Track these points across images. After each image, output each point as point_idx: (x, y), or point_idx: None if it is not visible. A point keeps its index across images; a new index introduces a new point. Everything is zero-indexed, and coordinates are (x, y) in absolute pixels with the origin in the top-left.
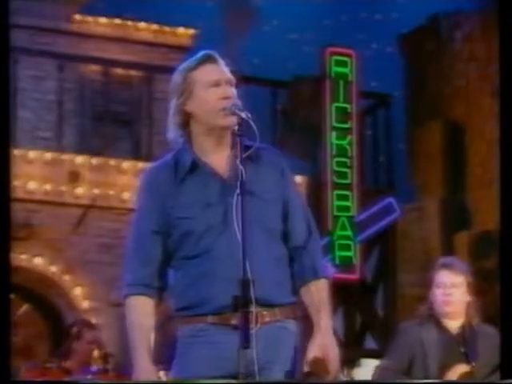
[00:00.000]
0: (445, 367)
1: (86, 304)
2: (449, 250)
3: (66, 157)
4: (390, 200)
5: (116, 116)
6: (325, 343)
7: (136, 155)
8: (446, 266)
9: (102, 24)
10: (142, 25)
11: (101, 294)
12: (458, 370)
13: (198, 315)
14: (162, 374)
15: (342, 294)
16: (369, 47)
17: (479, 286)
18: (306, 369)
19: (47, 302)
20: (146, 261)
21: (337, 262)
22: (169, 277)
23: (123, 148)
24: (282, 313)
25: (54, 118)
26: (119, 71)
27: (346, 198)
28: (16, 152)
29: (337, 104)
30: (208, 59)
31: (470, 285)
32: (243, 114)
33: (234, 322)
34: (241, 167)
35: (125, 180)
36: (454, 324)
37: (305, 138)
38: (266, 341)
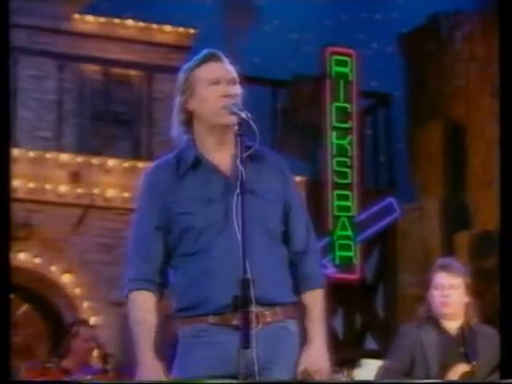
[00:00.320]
0: (445, 368)
1: (85, 304)
2: (449, 250)
3: (65, 157)
4: (391, 200)
5: (116, 116)
6: (317, 355)
7: (136, 155)
8: (443, 268)
9: (101, 24)
10: (142, 24)
11: (101, 294)
12: (459, 370)
13: (198, 315)
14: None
15: (343, 294)
16: (369, 47)
17: (479, 287)
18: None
19: (47, 302)
20: (147, 257)
21: (337, 262)
22: (169, 276)
23: (123, 148)
24: (283, 313)
25: (54, 117)
26: (119, 71)
27: (346, 197)
28: (16, 152)
29: (337, 104)
30: (211, 57)
31: (468, 286)
32: (243, 114)
33: (235, 322)
34: (241, 167)
35: (124, 180)
36: (452, 325)
37: (305, 138)
38: (267, 341)
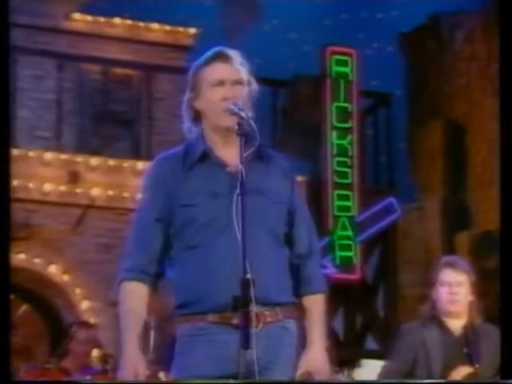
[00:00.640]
0: (448, 368)
1: (85, 304)
2: (449, 249)
3: (65, 156)
4: (391, 200)
5: (115, 115)
6: (316, 357)
7: (136, 155)
8: (450, 265)
9: (101, 23)
10: (142, 24)
11: (100, 294)
12: (462, 371)
13: (198, 313)
14: (161, 374)
15: (343, 294)
16: (369, 46)
17: (480, 287)
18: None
19: (46, 302)
20: (146, 248)
21: (337, 262)
22: (169, 271)
23: (123, 148)
24: (283, 313)
25: (54, 117)
26: (119, 71)
27: (346, 197)
28: (15, 152)
29: (337, 103)
30: (218, 57)
31: (473, 284)
32: (242, 114)
33: (234, 321)
34: (241, 167)
35: (124, 180)
36: (456, 324)
37: (305, 138)
38: (267, 341)
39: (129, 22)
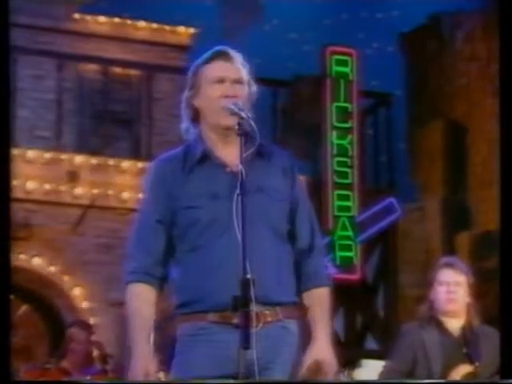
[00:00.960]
0: (447, 368)
1: (85, 304)
2: (450, 250)
3: (65, 156)
4: (391, 200)
5: (115, 115)
6: (322, 349)
7: (135, 155)
8: (449, 265)
9: (101, 23)
10: (142, 24)
11: (100, 295)
12: (461, 371)
13: (198, 312)
14: (161, 374)
15: (343, 295)
16: (369, 46)
17: (480, 287)
18: (302, 375)
19: (46, 303)
20: (149, 250)
21: (337, 262)
22: (171, 271)
23: (122, 147)
24: (284, 313)
25: (53, 117)
26: (118, 70)
27: (346, 197)
28: (15, 151)
29: (337, 103)
30: (219, 55)
31: (471, 286)
32: (243, 114)
33: (235, 320)
34: (241, 167)
35: (124, 180)
36: (455, 325)
37: (305, 138)
38: (267, 341)
39: (129, 21)
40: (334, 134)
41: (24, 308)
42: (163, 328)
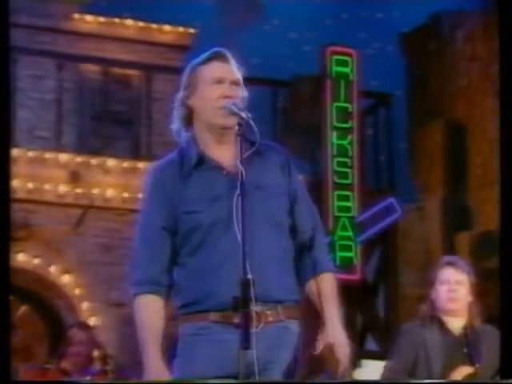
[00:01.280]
0: (448, 368)
1: (85, 305)
2: (450, 250)
3: (65, 156)
4: (391, 200)
5: (115, 115)
6: (335, 331)
7: (135, 155)
8: (450, 264)
9: (101, 23)
10: (141, 24)
11: (100, 295)
12: (462, 371)
13: (200, 312)
14: None
15: (343, 295)
16: (370, 46)
17: (481, 287)
18: (316, 355)
19: (46, 303)
20: (154, 258)
21: (337, 262)
22: (174, 276)
23: (122, 148)
24: (285, 313)
25: (53, 117)
26: (118, 71)
27: (346, 198)
28: (15, 152)
29: (337, 104)
30: (217, 56)
31: (473, 285)
32: (243, 114)
33: (236, 320)
34: (241, 167)
35: (124, 180)
36: (456, 325)
37: (305, 138)
38: (268, 341)
39: (129, 22)
40: (334, 134)
41: (24, 308)
42: (165, 328)
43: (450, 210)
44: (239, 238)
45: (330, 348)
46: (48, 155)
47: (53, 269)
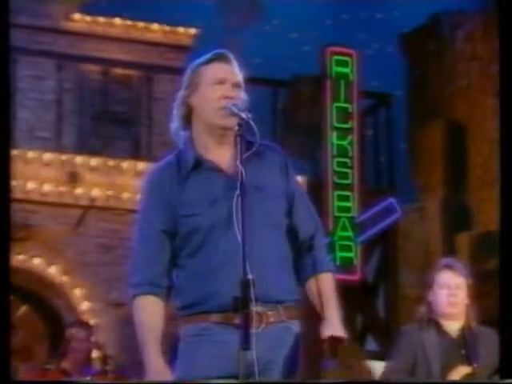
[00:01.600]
0: (447, 370)
1: (85, 305)
2: (450, 250)
3: (65, 157)
4: (391, 200)
5: (115, 116)
6: (335, 326)
7: (135, 155)
8: (449, 267)
9: (101, 23)
10: (142, 24)
11: (100, 295)
12: (460, 372)
13: (201, 313)
14: None
15: (343, 295)
16: (370, 47)
17: (480, 288)
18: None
19: (46, 303)
20: (153, 260)
21: (337, 262)
22: (173, 278)
23: (123, 148)
24: (286, 313)
25: (53, 117)
26: (119, 71)
27: (346, 198)
28: (15, 152)
29: (337, 104)
30: (220, 57)
31: (470, 287)
32: (243, 114)
33: (238, 321)
34: (241, 168)
35: (124, 180)
36: (454, 326)
37: (305, 138)
38: (270, 341)
39: (129, 22)
40: (334, 134)
41: (24, 308)
42: (165, 329)
43: (450, 210)
44: (239, 238)
45: (330, 342)
46: (48, 155)
47: (53, 269)
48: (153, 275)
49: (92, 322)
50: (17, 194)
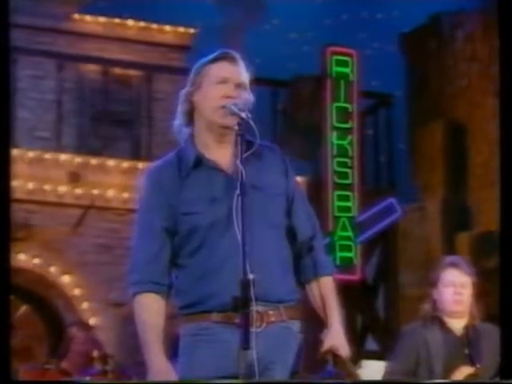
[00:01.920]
0: (450, 368)
1: (85, 305)
2: (450, 250)
3: (65, 157)
4: (391, 200)
5: (115, 116)
6: (337, 334)
7: (135, 155)
8: (454, 265)
9: (101, 23)
10: (142, 24)
11: (100, 295)
12: (463, 371)
13: (201, 312)
14: None
15: (343, 295)
16: (370, 46)
17: (481, 287)
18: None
19: (46, 303)
20: (154, 258)
21: (337, 262)
22: (173, 277)
23: (123, 148)
24: (287, 313)
25: (53, 117)
26: (118, 71)
27: (346, 198)
28: (15, 152)
29: (337, 104)
30: (225, 57)
31: (474, 285)
32: (243, 114)
33: (238, 320)
34: (241, 167)
35: (124, 180)
36: (457, 325)
37: (305, 138)
38: (270, 341)
39: (129, 22)
40: (334, 134)
41: (24, 308)
42: (165, 329)
43: (450, 210)
44: (239, 238)
45: (332, 350)
46: (48, 155)
47: (53, 269)
48: (154, 273)
49: (92, 321)
50: (17, 193)
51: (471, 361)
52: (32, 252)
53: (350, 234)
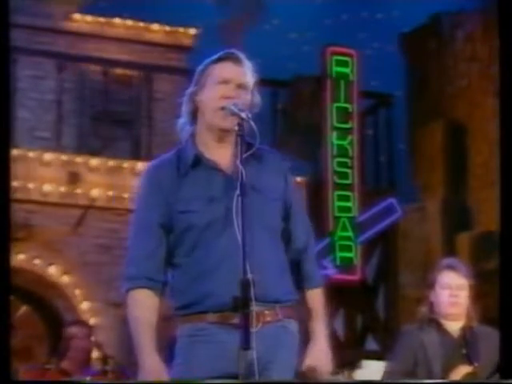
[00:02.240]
0: (447, 370)
1: (85, 305)
2: (450, 250)
3: (65, 157)
4: (391, 200)
5: (115, 116)
6: (320, 352)
7: (136, 155)
8: (451, 268)
9: (101, 23)
10: (142, 24)
11: (100, 295)
12: (461, 371)
13: (198, 313)
14: None
15: (343, 295)
16: (370, 46)
17: (480, 288)
18: (299, 373)
19: (46, 303)
20: (150, 254)
21: (337, 262)
22: (168, 275)
23: (123, 148)
24: (283, 312)
25: (53, 117)
26: (119, 71)
27: (346, 198)
28: (15, 152)
29: (338, 104)
30: (230, 57)
31: (471, 287)
32: (243, 114)
33: (234, 321)
34: (241, 167)
35: (124, 180)
36: (454, 326)
37: (305, 138)
38: (267, 340)
39: (129, 22)
40: (334, 134)
41: (24, 308)
42: (162, 329)
43: (450, 211)
44: (239, 238)
45: (313, 366)
46: (48, 155)
47: (53, 269)
48: (150, 269)
49: (92, 321)
50: (17, 194)
51: (469, 360)
52: (32, 252)
53: (350, 234)
